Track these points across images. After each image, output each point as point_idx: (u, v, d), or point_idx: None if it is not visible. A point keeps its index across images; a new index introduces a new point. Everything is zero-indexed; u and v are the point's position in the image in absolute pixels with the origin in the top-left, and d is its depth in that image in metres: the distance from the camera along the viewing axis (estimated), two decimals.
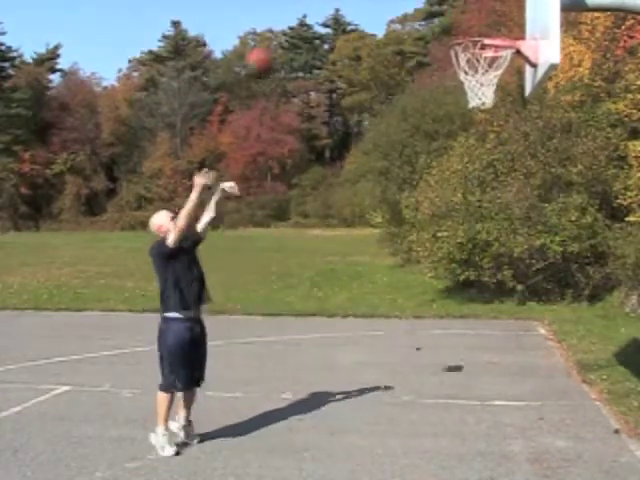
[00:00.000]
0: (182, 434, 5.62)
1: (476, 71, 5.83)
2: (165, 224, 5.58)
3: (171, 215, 5.65)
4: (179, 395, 5.64)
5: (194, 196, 5.53)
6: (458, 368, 8.34)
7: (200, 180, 5.59)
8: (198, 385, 5.70)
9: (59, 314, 13.37)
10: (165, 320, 5.51)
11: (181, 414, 5.65)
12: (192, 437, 5.66)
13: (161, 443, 5.43)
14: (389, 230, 20.94)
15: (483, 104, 5.92)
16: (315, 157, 60.01)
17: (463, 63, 5.83)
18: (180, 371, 5.47)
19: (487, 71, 5.80)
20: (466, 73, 5.84)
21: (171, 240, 5.40)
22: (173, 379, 5.48)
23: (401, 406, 6.75)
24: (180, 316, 5.47)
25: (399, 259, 19.92)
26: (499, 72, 5.81)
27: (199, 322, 5.67)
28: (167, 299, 5.47)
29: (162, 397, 5.51)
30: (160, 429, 5.46)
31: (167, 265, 5.48)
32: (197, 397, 5.79)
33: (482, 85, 5.84)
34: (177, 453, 5.42)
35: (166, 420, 5.50)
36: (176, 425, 5.62)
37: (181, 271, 5.48)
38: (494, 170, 13.99)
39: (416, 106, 20.13)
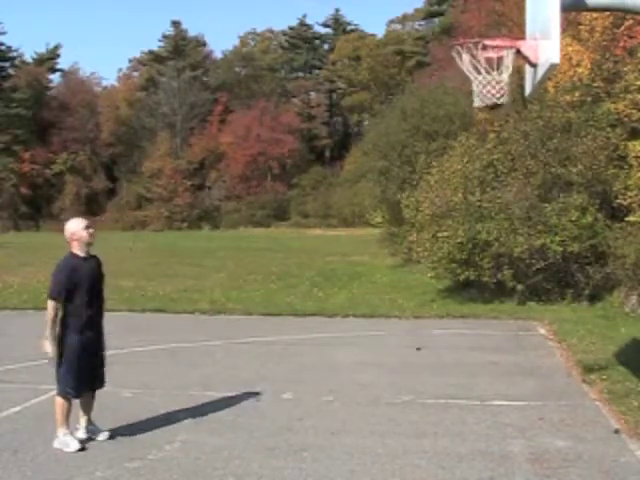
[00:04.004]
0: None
1: (479, 72, 5.82)
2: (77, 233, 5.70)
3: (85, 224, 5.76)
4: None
5: (46, 333, 5.54)
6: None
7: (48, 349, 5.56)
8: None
9: None
10: None
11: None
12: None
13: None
14: (389, 230, 20.96)
15: (498, 104, 5.91)
16: (315, 157, 60.05)
17: (467, 64, 5.83)
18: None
19: (501, 72, 5.80)
20: (478, 73, 5.83)
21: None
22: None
23: (401, 406, 6.75)
24: None
25: (399, 259, 19.93)
26: (509, 71, 5.82)
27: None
28: None
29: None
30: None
31: None
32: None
33: (494, 85, 5.83)
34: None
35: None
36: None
37: None
38: (494, 170, 13.98)
39: (416, 106, 20.11)
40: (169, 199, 53.78)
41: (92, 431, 5.75)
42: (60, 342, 5.52)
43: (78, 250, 5.71)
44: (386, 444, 5.64)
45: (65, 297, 5.53)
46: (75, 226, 5.74)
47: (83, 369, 5.58)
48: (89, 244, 5.75)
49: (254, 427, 6.08)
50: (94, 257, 5.84)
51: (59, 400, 5.62)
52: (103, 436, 5.73)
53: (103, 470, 5.13)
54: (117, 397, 7.14)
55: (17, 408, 6.71)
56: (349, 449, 5.54)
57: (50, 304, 5.52)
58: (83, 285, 5.59)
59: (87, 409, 5.78)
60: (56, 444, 5.56)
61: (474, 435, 5.86)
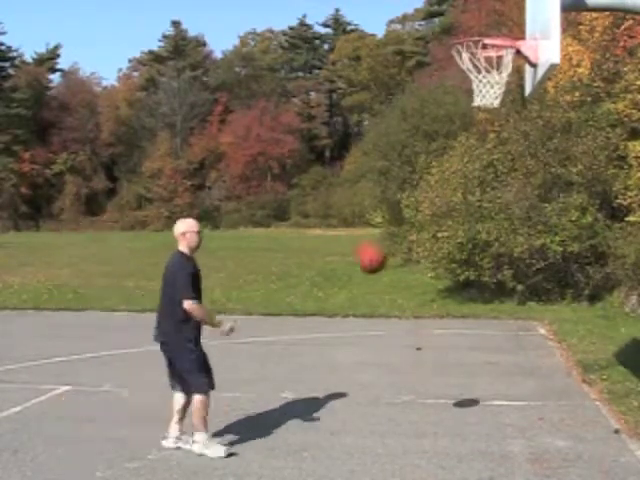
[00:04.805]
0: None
1: (479, 71, 5.82)
2: (189, 229, 5.62)
3: (198, 228, 5.68)
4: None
5: (210, 322, 5.60)
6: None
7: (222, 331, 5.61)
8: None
9: (59, 314, 13.36)
10: None
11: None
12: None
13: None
14: (389, 230, 20.96)
15: (492, 104, 5.90)
16: (315, 157, 60.04)
17: (467, 62, 5.82)
18: None
19: (501, 72, 5.80)
20: (478, 72, 5.82)
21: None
22: None
23: (401, 406, 6.75)
24: None
25: (399, 259, 19.92)
26: (508, 71, 5.81)
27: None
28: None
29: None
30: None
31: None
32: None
33: (493, 85, 5.83)
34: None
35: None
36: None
37: None
38: (494, 170, 13.98)
39: (416, 106, 20.11)
40: (169, 199, 53.77)
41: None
42: (191, 342, 5.47)
43: (186, 249, 5.60)
44: (386, 444, 5.64)
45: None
46: (190, 227, 5.65)
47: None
48: (196, 248, 5.66)
49: (254, 427, 6.08)
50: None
51: (203, 398, 5.45)
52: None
53: (103, 470, 5.13)
54: (117, 397, 7.15)
55: (17, 408, 6.71)
56: (349, 449, 5.54)
57: (190, 304, 5.39)
58: (196, 285, 5.55)
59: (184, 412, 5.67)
60: (206, 451, 5.42)
61: (474, 435, 5.85)
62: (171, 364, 5.60)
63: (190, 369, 5.46)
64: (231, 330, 5.65)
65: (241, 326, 5.51)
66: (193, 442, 5.48)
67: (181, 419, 5.61)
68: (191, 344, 5.48)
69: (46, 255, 24.32)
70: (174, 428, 5.59)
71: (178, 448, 5.53)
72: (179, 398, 5.62)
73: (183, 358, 5.48)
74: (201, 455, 5.39)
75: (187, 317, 5.42)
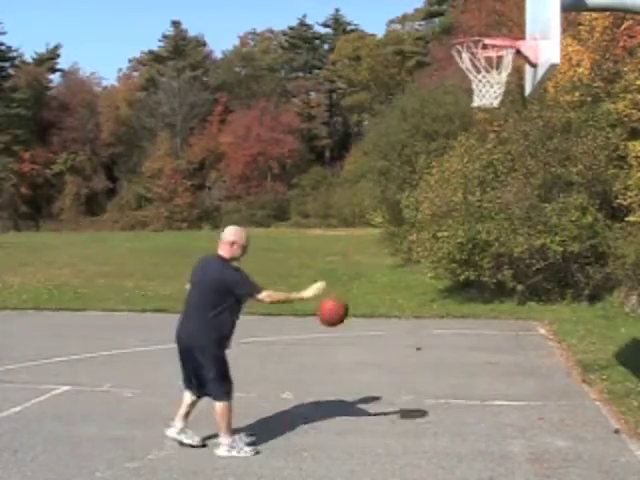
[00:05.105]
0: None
1: (479, 71, 5.82)
2: (239, 242, 5.60)
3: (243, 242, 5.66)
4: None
5: (294, 297, 5.68)
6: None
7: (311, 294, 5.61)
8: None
9: (59, 314, 13.36)
10: None
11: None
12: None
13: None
14: (389, 230, 20.96)
15: (491, 104, 5.90)
16: (315, 157, 59.98)
17: (467, 62, 5.83)
18: None
19: (500, 72, 5.80)
20: (478, 72, 5.82)
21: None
22: None
23: (401, 406, 6.75)
24: None
25: (399, 259, 19.92)
26: (508, 71, 5.81)
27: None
28: None
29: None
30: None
31: None
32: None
33: (493, 85, 5.83)
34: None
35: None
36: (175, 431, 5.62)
37: None
38: (494, 170, 13.98)
39: (416, 106, 20.12)
40: (169, 199, 53.74)
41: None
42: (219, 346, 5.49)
43: (227, 256, 5.57)
44: (386, 444, 5.64)
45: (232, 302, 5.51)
46: (241, 239, 5.64)
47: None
48: (236, 259, 5.64)
49: (254, 427, 6.08)
50: None
51: (226, 404, 5.46)
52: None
53: (103, 470, 5.13)
54: (117, 397, 7.15)
55: (17, 408, 6.71)
56: (349, 449, 5.54)
57: (263, 294, 5.49)
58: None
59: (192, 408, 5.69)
60: (234, 452, 5.44)
61: (474, 435, 5.86)
62: (190, 366, 5.54)
63: (214, 377, 5.44)
64: (320, 288, 5.57)
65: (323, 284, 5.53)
66: (219, 445, 5.47)
67: (187, 414, 5.63)
68: (218, 350, 5.46)
69: (46, 255, 24.30)
70: (179, 420, 5.61)
71: (180, 442, 5.54)
72: (190, 395, 5.64)
73: (209, 364, 5.44)
74: (223, 457, 5.39)
75: (218, 322, 5.44)
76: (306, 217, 51.64)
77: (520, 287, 12.85)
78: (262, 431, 5.97)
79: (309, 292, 5.60)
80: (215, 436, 5.62)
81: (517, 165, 13.77)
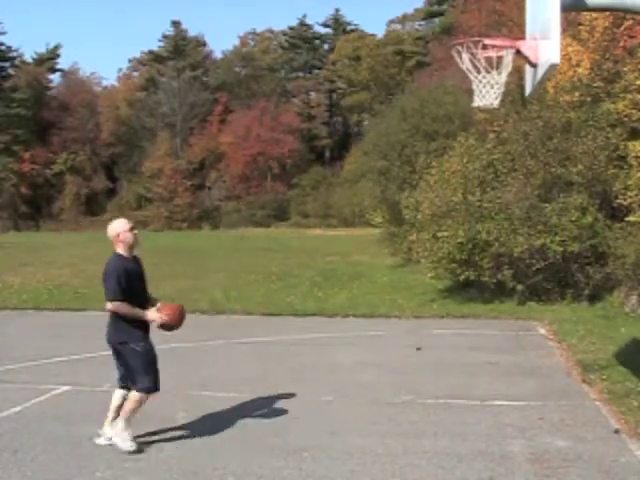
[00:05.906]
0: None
1: (479, 71, 5.82)
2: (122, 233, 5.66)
3: (130, 226, 5.72)
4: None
5: (138, 316, 5.54)
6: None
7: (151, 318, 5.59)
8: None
9: (59, 314, 13.37)
10: None
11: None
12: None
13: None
14: (389, 230, 20.95)
15: (491, 104, 5.90)
16: (315, 157, 59.99)
17: (467, 63, 5.83)
18: None
19: (500, 72, 5.80)
20: (478, 72, 5.82)
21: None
22: None
23: (401, 406, 6.75)
24: None
25: (399, 259, 19.92)
26: (508, 72, 5.81)
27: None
28: None
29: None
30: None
31: None
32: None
33: (493, 85, 5.83)
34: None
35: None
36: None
37: None
38: (494, 170, 13.98)
39: (416, 106, 20.11)
40: (169, 199, 53.76)
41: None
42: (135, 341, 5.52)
43: (123, 251, 5.66)
44: (386, 444, 5.64)
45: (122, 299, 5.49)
46: (121, 227, 5.68)
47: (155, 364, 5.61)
48: (133, 246, 5.69)
49: (254, 427, 6.08)
50: (135, 257, 5.79)
51: (143, 397, 5.54)
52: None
53: (103, 470, 5.14)
54: None
55: (17, 408, 6.71)
56: (349, 449, 5.54)
57: (114, 304, 5.48)
58: (134, 287, 5.56)
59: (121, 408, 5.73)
60: (117, 439, 5.50)
61: (474, 435, 5.86)
62: (120, 361, 5.66)
63: (135, 368, 5.53)
64: (159, 319, 5.57)
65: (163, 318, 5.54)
66: (113, 426, 5.55)
67: (115, 419, 5.66)
68: (134, 344, 5.51)
69: (46, 255, 24.29)
70: (108, 428, 5.65)
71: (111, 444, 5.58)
72: (120, 396, 5.69)
73: (129, 357, 5.55)
74: (111, 444, 5.49)
75: (121, 316, 5.48)
76: (306, 217, 51.64)
77: (520, 287, 12.85)
78: (261, 431, 5.97)
79: (150, 314, 5.58)
80: (212, 436, 5.62)
81: (517, 165, 13.77)
